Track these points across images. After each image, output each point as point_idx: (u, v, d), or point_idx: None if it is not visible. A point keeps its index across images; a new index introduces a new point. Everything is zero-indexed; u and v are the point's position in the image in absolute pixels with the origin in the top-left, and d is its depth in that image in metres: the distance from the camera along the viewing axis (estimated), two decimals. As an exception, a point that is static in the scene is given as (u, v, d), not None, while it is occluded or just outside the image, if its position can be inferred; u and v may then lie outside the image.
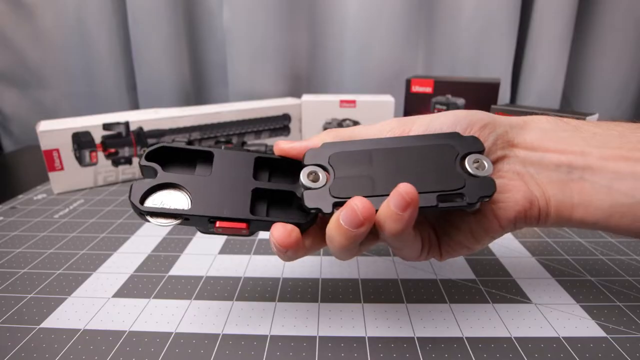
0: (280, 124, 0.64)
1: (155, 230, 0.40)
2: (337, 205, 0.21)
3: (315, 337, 0.25)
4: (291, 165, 0.24)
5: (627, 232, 0.22)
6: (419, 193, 0.19)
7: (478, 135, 0.23)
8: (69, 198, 0.49)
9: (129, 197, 0.21)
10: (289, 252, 0.22)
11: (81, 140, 0.50)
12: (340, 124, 0.63)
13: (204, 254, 0.35)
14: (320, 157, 0.22)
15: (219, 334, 0.26)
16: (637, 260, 0.34)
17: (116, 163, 0.53)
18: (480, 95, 0.58)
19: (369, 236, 0.22)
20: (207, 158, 0.23)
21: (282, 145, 0.24)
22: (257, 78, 0.78)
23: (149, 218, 0.21)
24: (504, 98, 0.78)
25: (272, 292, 0.30)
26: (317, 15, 0.78)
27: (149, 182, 0.21)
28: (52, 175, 0.50)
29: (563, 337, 0.25)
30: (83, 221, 0.42)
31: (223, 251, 0.36)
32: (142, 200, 0.21)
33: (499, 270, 0.33)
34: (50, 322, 0.27)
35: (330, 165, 0.22)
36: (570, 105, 0.82)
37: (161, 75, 0.78)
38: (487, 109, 0.53)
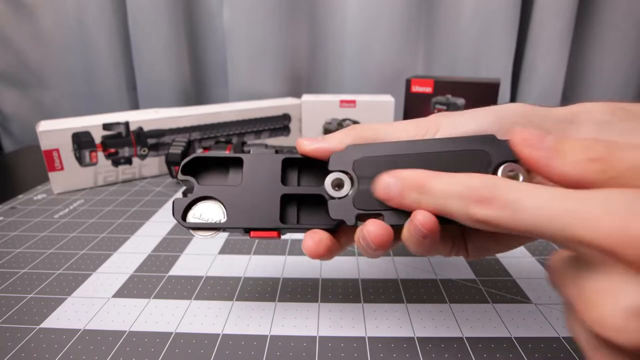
0: (280, 124, 0.65)
1: (155, 231, 0.40)
2: (361, 217, 0.21)
3: (315, 337, 0.25)
4: (318, 161, 0.24)
5: None
6: None
7: None
8: (69, 198, 0.49)
9: (173, 214, 0.23)
10: (322, 258, 0.22)
11: (81, 140, 0.50)
12: (340, 124, 0.63)
13: (204, 254, 0.35)
14: (345, 163, 0.22)
15: (219, 334, 0.26)
16: (637, 260, 0.34)
17: (116, 163, 0.53)
18: (480, 95, 0.58)
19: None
20: (238, 163, 0.24)
21: (304, 148, 0.24)
22: (257, 78, 0.78)
23: (192, 232, 0.23)
24: (504, 98, 0.78)
25: (272, 292, 0.30)
26: (317, 15, 0.78)
27: (187, 199, 0.23)
28: (52, 175, 0.50)
29: (563, 337, 0.25)
30: (83, 221, 0.42)
31: (223, 251, 0.36)
32: (184, 215, 0.23)
33: (499, 270, 0.33)
34: (50, 322, 0.27)
35: (355, 172, 0.22)
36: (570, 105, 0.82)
37: (161, 75, 0.78)
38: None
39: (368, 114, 0.62)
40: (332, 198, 0.22)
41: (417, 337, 0.25)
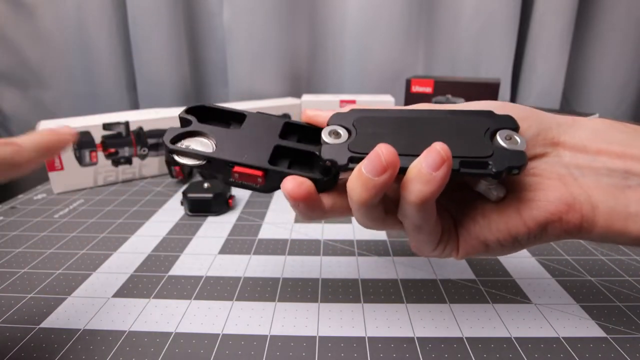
0: (280, 124, 0.64)
1: (155, 231, 0.40)
2: (354, 160, 0.20)
3: (315, 337, 0.25)
4: (320, 134, 0.24)
5: None
6: None
7: None
8: (69, 198, 0.49)
9: (162, 138, 0.23)
10: (301, 205, 0.21)
11: (81, 140, 0.50)
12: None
13: (204, 254, 0.35)
14: (346, 120, 0.22)
15: (219, 334, 0.26)
16: (637, 260, 0.34)
17: (116, 163, 0.53)
18: (480, 95, 0.58)
19: (393, 212, 0.21)
20: (240, 120, 0.25)
21: (309, 113, 0.24)
22: (257, 78, 0.78)
23: (175, 157, 0.23)
24: (504, 98, 0.78)
25: (272, 292, 0.30)
26: (317, 15, 0.78)
27: (183, 129, 0.23)
28: (52, 175, 0.50)
29: (563, 337, 0.25)
30: (83, 221, 0.42)
31: (223, 251, 0.36)
32: (173, 142, 0.23)
33: (498, 270, 0.33)
34: (50, 322, 0.27)
35: (354, 127, 0.22)
36: (570, 105, 0.82)
37: (161, 75, 0.78)
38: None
39: (368, 114, 0.62)
40: (327, 144, 0.21)
41: (417, 337, 0.25)
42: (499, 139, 0.20)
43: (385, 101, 0.62)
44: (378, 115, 0.22)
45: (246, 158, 0.22)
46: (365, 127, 0.21)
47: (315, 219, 0.23)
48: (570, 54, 0.76)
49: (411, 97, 0.62)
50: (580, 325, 0.26)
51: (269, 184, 0.22)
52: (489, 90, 0.57)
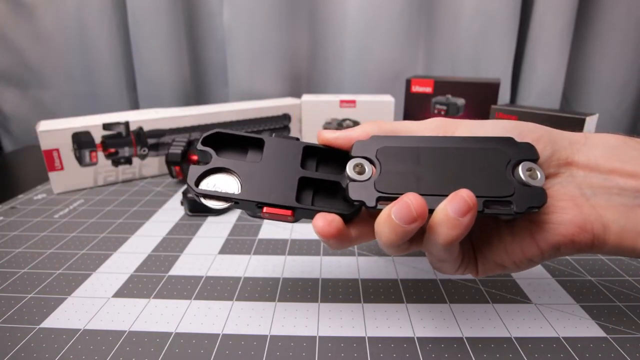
0: (280, 124, 0.65)
1: (155, 231, 0.40)
2: (381, 199, 0.21)
3: (315, 337, 0.25)
4: (338, 154, 0.24)
5: None
6: None
7: None
8: (69, 198, 0.49)
9: (187, 180, 0.23)
10: (331, 241, 0.22)
11: (81, 140, 0.50)
12: (340, 123, 0.63)
13: (204, 254, 0.35)
14: (368, 150, 0.22)
15: (219, 334, 0.26)
16: (637, 260, 0.34)
17: (116, 163, 0.53)
18: (480, 95, 0.58)
19: (417, 241, 0.22)
20: (258, 145, 0.25)
21: (326, 135, 0.24)
22: (257, 78, 0.78)
23: (202, 200, 0.23)
24: (504, 98, 0.78)
25: (272, 292, 0.30)
26: (317, 15, 0.78)
27: (204, 167, 0.23)
28: (52, 175, 0.50)
29: (563, 337, 0.25)
30: (83, 221, 0.42)
31: (223, 251, 0.36)
32: (198, 182, 0.23)
33: (499, 270, 0.33)
34: (50, 322, 0.27)
35: (377, 159, 0.22)
36: (570, 105, 0.82)
37: (161, 75, 0.78)
38: (487, 109, 0.53)
39: (368, 114, 0.62)
40: (353, 181, 0.22)
41: (417, 337, 0.25)
42: (521, 173, 0.21)
43: (385, 101, 0.62)
44: (399, 145, 0.22)
45: (274, 197, 0.22)
46: (389, 161, 0.22)
47: (344, 248, 0.24)
48: (570, 54, 0.76)
49: (411, 97, 0.62)
50: (580, 325, 0.26)
51: (297, 217, 0.23)
52: (489, 90, 0.57)
